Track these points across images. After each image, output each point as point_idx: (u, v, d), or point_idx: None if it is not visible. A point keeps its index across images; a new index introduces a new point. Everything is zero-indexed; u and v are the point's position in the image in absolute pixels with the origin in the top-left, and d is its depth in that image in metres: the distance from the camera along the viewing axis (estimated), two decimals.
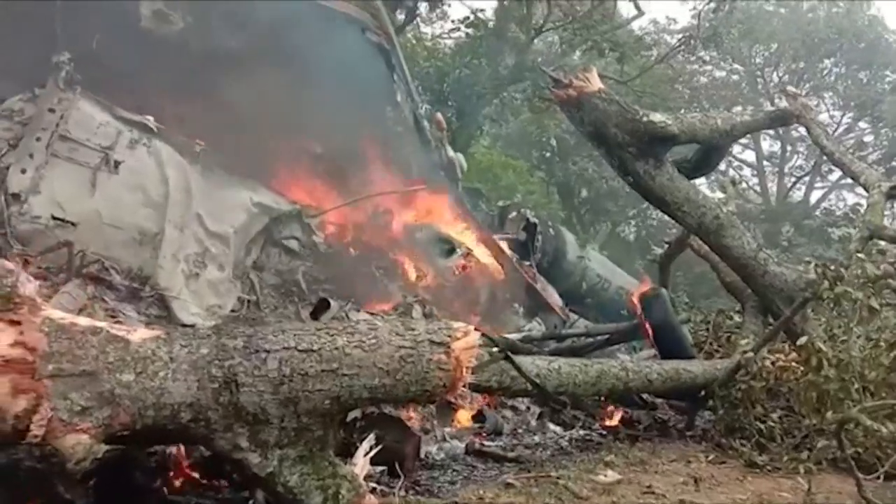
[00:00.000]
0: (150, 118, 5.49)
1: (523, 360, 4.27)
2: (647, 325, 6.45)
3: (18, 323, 2.33)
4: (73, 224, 4.85)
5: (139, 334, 2.53)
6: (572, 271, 11.65)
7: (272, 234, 6.30)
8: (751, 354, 5.63)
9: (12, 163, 4.82)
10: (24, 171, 4.80)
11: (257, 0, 7.12)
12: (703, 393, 5.78)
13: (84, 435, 2.35)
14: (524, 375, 4.09)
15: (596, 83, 5.67)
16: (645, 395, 6.26)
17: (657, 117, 5.68)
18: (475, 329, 2.90)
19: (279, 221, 6.32)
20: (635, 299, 6.70)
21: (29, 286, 2.44)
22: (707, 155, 6.38)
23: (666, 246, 8.64)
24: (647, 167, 5.74)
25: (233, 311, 5.62)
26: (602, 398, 5.79)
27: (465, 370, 2.80)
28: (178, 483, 3.28)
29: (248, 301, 5.87)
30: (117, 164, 5.14)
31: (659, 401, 6.55)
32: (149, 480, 3.17)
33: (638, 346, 9.36)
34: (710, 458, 4.98)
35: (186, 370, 2.50)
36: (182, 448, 3.27)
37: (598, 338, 7.01)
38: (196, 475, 3.35)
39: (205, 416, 2.52)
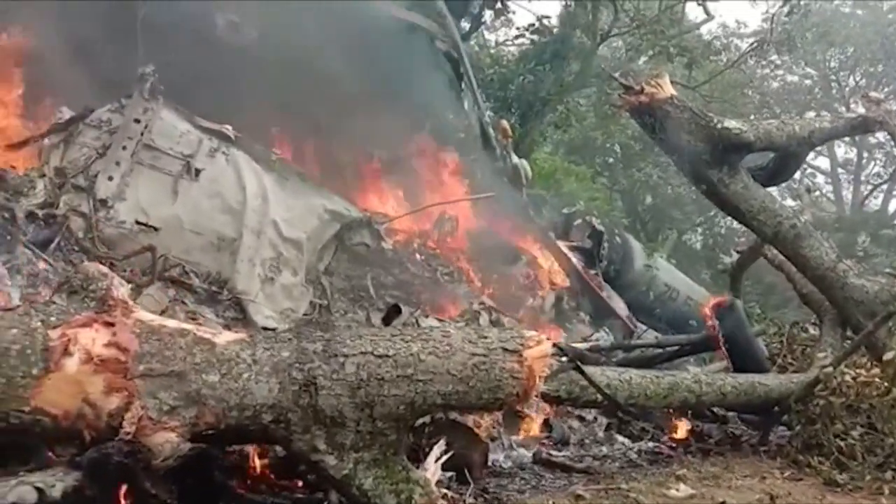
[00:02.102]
0: (229, 127, 5.68)
1: (593, 371, 4.23)
2: (721, 337, 6.29)
3: (112, 324, 2.44)
4: (156, 229, 5.07)
5: (224, 337, 2.62)
6: (639, 280, 11.47)
7: (343, 240, 6.43)
8: (830, 369, 5.43)
9: (100, 170, 5.06)
10: (111, 179, 5.04)
11: (329, 11, 7.28)
12: (777, 407, 5.61)
13: (172, 433, 2.44)
14: (594, 386, 4.05)
15: (668, 89, 5.59)
16: (716, 409, 6.11)
17: (732, 124, 5.55)
18: (547, 338, 2.89)
19: (350, 228, 6.44)
20: (708, 310, 6.54)
21: (121, 289, 2.56)
22: (784, 162, 6.19)
23: (737, 255, 8.41)
24: (721, 175, 5.61)
25: (305, 314, 5.76)
26: (671, 410, 5.68)
27: (537, 379, 2.79)
28: (254, 482, 3.37)
29: (320, 305, 6.00)
30: (198, 171, 5.35)
31: (730, 414, 6.38)
32: (227, 479, 3.27)
33: (707, 357, 9.13)
34: (786, 474, 4.81)
35: (268, 372, 2.57)
36: (258, 448, 3.36)
37: (668, 349, 6.87)
38: (271, 475, 3.44)
39: (285, 418, 2.59)
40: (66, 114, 5.40)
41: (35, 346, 2.29)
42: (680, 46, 16.41)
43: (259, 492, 3.34)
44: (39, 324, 2.34)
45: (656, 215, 22.67)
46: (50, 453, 2.98)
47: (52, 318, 2.36)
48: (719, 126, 5.45)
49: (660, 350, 6.97)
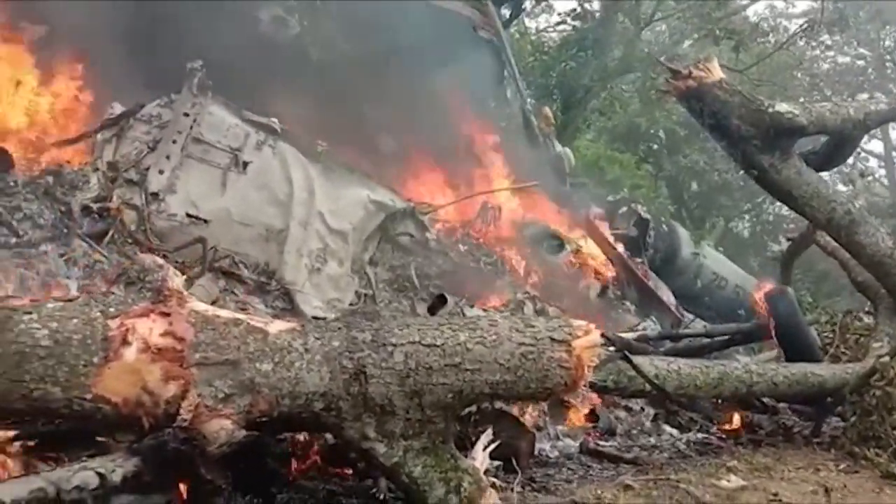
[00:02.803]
0: (275, 120, 5.76)
1: (640, 360, 4.18)
2: (772, 325, 6.15)
3: (168, 314, 2.50)
4: (205, 221, 5.19)
5: (276, 326, 2.66)
6: (686, 268, 11.28)
7: (387, 230, 6.47)
8: (887, 359, 5.28)
9: (151, 164, 5.18)
10: (161, 172, 5.16)
11: (371, 1, 7.31)
12: (830, 398, 5.47)
13: (227, 420, 2.48)
14: (643, 376, 4.01)
15: (717, 73, 5.45)
16: (766, 399, 5.99)
17: (783, 107, 5.39)
18: (596, 327, 2.87)
19: (394, 218, 6.48)
20: (759, 297, 6.40)
21: (176, 280, 2.62)
22: (838, 146, 6.00)
23: (787, 242, 8.20)
24: (772, 160, 5.46)
25: (351, 304, 5.82)
26: (719, 401, 5.59)
27: (586, 369, 2.78)
28: (305, 470, 3.43)
29: (365, 295, 6.06)
30: (245, 164, 5.45)
31: (781, 405, 6.25)
32: (280, 466, 3.33)
33: (756, 347, 8.95)
34: (841, 466, 4.70)
35: (320, 361, 2.60)
36: (309, 436, 3.42)
37: (718, 338, 6.75)
38: (322, 462, 3.49)
39: (336, 406, 2.62)
40: (118, 109, 5.55)
41: (95, 335, 2.34)
42: (727, 29, 16.04)
43: (310, 479, 3.40)
44: (99, 314, 2.39)
45: (702, 202, 22.23)
46: (110, 439, 3.09)
47: (112, 309, 2.42)
48: (770, 110, 5.30)
49: (708, 340, 6.85)
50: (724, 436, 5.68)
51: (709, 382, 4.51)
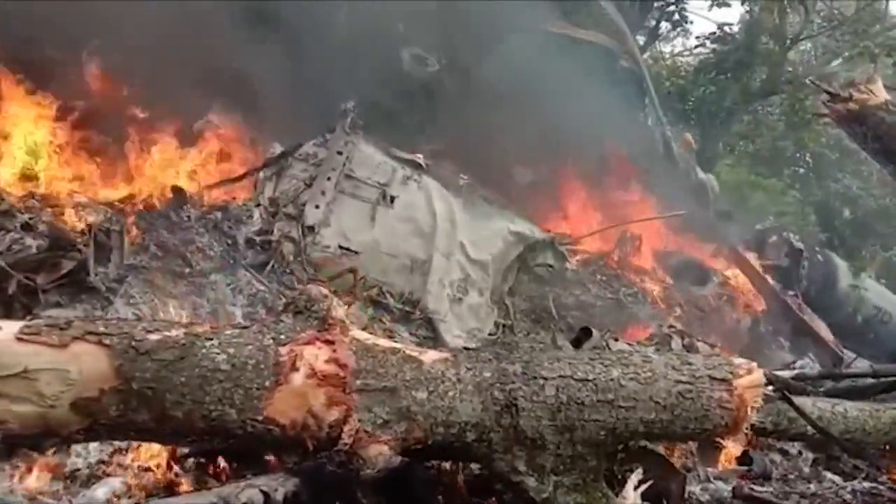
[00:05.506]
0: (420, 156, 6.00)
1: (802, 401, 3.93)
2: None
3: (332, 342, 2.62)
4: (356, 252, 5.46)
5: (430, 355, 2.74)
6: (844, 302, 10.46)
7: (526, 261, 6.50)
8: None
9: (307, 199, 5.54)
10: (317, 207, 5.50)
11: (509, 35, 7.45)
12: None
13: (385, 446, 2.57)
14: (806, 418, 3.76)
15: (881, 95, 5.13)
16: None
17: None
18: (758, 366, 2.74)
19: (533, 248, 6.51)
20: None
21: (339, 309, 2.76)
22: None
23: None
24: None
25: (490, 334, 5.89)
26: (887, 447, 5.11)
27: (748, 410, 2.66)
28: (451, 499, 3.47)
29: (504, 325, 6.10)
30: (392, 198, 5.71)
31: None
32: (427, 493, 3.39)
33: None
34: None
35: (472, 391, 2.65)
36: (454, 464, 3.46)
37: (885, 379, 6.19)
38: (467, 492, 3.52)
39: (487, 437, 2.65)
40: (278, 149, 5.99)
41: (268, 361, 2.49)
42: (884, 45, 14.91)
43: None
44: (271, 340, 2.55)
45: (857, 230, 20.58)
46: (271, 459, 3.28)
47: (282, 336, 2.57)
48: None
49: (874, 380, 6.31)
50: (895, 487, 5.19)
51: (880, 427, 4.19)
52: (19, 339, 2.17)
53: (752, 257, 9.23)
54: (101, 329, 2.31)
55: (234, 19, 6.42)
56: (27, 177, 5.00)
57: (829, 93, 5.33)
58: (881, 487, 5.20)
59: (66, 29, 5.59)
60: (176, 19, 5.93)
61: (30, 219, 4.32)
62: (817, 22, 16.08)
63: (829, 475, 5.46)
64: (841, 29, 15.58)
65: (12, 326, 2.21)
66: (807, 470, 5.52)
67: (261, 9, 6.66)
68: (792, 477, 5.33)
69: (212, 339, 2.49)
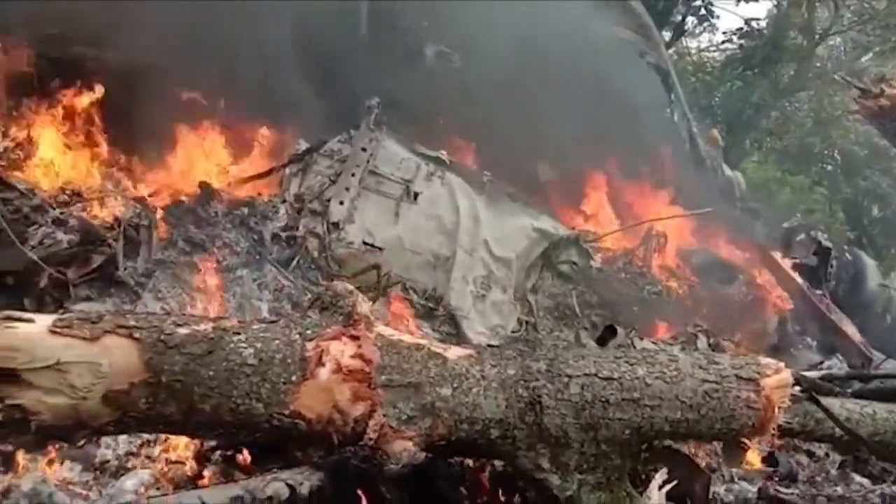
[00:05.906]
0: (444, 152, 6.01)
1: (830, 402, 3.89)
2: None
3: (357, 338, 2.64)
4: (380, 249, 5.50)
5: (454, 352, 2.74)
6: (873, 301, 10.31)
7: (550, 258, 6.49)
8: None
9: (332, 196, 5.58)
10: (341, 203, 5.54)
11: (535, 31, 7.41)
12: None
13: (409, 442, 2.58)
14: (834, 419, 3.72)
15: None
16: None
17: None
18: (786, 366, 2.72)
19: (557, 246, 6.49)
20: None
21: (364, 305, 2.77)
22: None
23: None
24: None
25: (513, 331, 5.89)
26: None
27: (776, 410, 2.63)
28: (475, 495, 3.48)
29: (527, 323, 6.10)
30: (416, 195, 5.73)
31: None
32: (451, 490, 3.40)
33: None
34: None
35: (496, 388, 2.65)
36: (477, 461, 3.47)
37: None
38: (490, 489, 3.52)
39: (511, 434, 2.65)
40: (303, 145, 6.04)
41: (294, 355, 2.50)
42: None
43: None
44: (298, 336, 2.57)
45: (886, 228, 20.25)
46: (298, 454, 3.31)
47: (308, 331, 2.58)
48: None
49: None
50: None
51: None
52: (52, 332, 2.21)
53: (779, 256, 9.12)
54: (132, 323, 2.34)
55: (258, 20, 6.46)
56: (58, 173, 5.08)
57: (859, 88, 5.24)
58: None
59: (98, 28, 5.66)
60: (204, 16, 5.97)
61: (61, 214, 4.40)
62: (847, 16, 15.85)
63: (857, 478, 5.38)
64: (872, 23, 15.36)
65: (45, 320, 2.25)
66: (834, 472, 5.45)
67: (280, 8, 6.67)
68: (819, 479, 5.27)
69: (239, 334, 2.51)
